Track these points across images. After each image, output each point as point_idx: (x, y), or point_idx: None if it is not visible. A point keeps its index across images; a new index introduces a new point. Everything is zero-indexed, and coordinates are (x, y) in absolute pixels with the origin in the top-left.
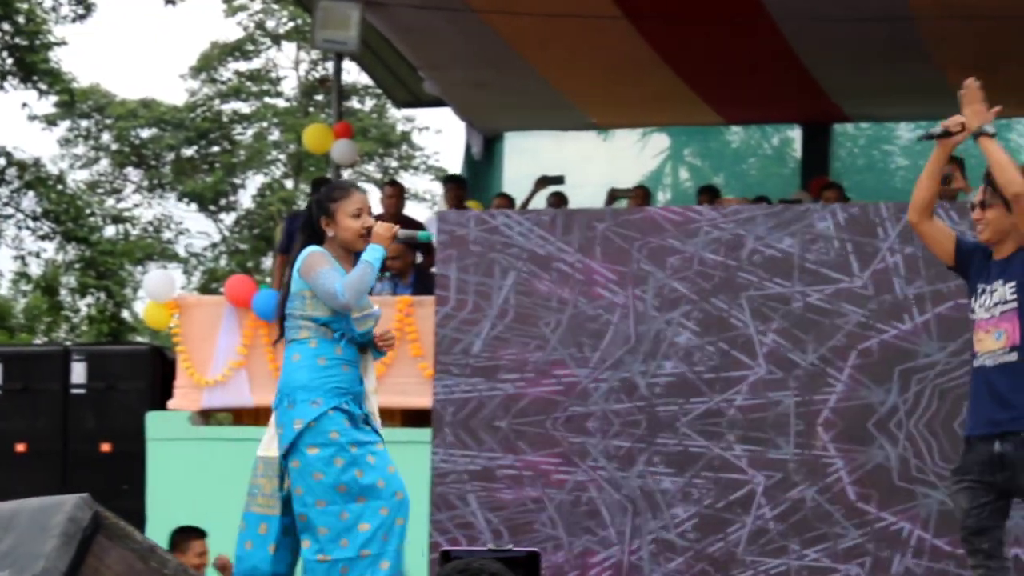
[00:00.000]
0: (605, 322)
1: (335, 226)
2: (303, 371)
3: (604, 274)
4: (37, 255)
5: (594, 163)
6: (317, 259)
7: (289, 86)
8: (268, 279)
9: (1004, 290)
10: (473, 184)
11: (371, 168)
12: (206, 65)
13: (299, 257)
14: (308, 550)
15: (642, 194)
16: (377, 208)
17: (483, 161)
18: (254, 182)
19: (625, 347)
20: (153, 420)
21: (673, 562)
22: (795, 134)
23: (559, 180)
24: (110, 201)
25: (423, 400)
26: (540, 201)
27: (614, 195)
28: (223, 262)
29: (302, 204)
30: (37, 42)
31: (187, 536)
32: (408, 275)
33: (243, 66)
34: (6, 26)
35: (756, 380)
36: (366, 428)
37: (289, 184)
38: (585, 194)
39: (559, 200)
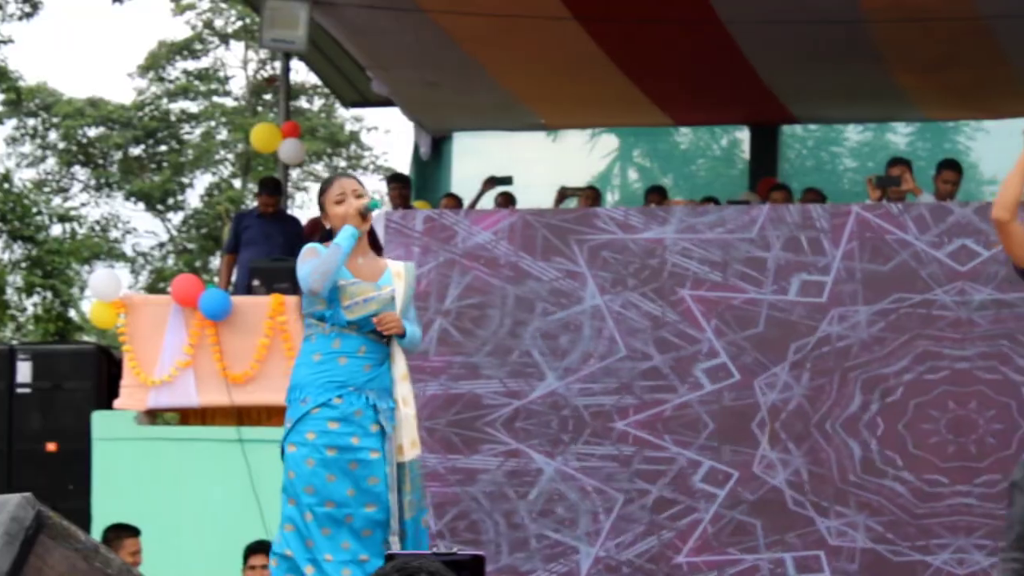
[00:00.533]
0: (551, 321)
1: (328, 218)
2: (298, 369)
3: (552, 274)
4: None
5: (543, 163)
6: (304, 253)
7: (237, 85)
8: (216, 279)
9: None
10: (421, 184)
11: (319, 168)
12: (154, 64)
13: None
14: (276, 543)
15: (592, 194)
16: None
17: (431, 161)
18: (202, 181)
19: (574, 347)
20: (99, 420)
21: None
22: (743, 135)
23: (507, 180)
24: (57, 200)
25: None
26: (488, 201)
27: (564, 194)
28: (171, 262)
29: (250, 204)
30: None
31: (120, 534)
32: None
33: (191, 65)
34: None
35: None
36: (371, 432)
37: (237, 184)
38: (534, 194)
39: (507, 200)
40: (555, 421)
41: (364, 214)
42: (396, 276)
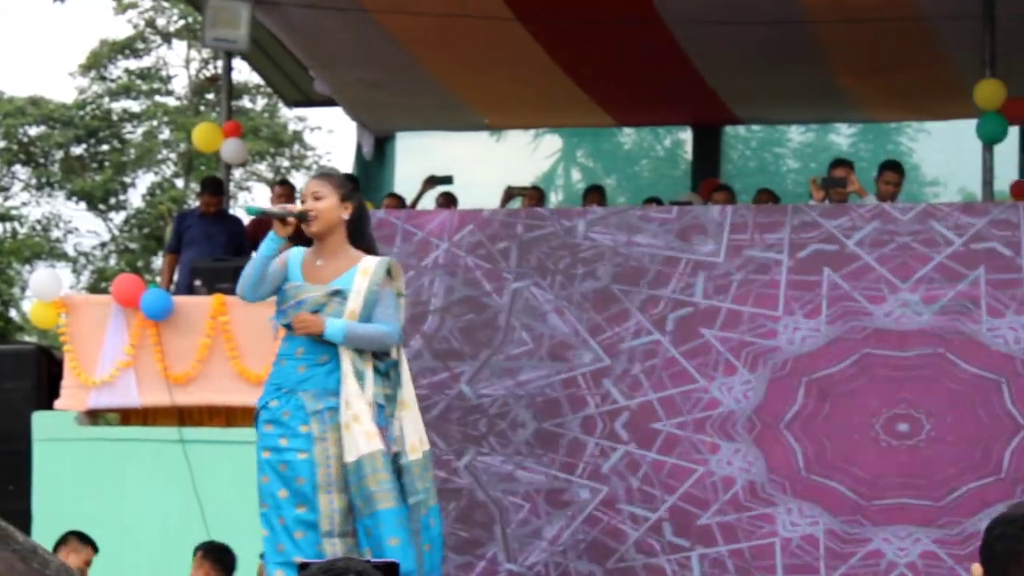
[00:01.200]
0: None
1: None
2: None
3: (492, 272)
4: None
5: (486, 164)
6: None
7: (179, 85)
8: (158, 279)
9: None
10: (364, 184)
11: (263, 167)
12: (96, 63)
13: None
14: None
15: (536, 195)
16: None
17: (374, 161)
18: (144, 181)
19: (520, 348)
20: (39, 420)
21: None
22: (687, 136)
23: (447, 180)
24: None
25: None
26: (429, 201)
27: (511, 193)
28: (112, 261)
29: (192, 203)
30: None
31: (68, 541)
32: None
33: (133, 64)
34: None
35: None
36: (299, 433)
37: (180, 183)
38: (477, 195)
39: (448, 200)
40: (485, 422)
41: (282, 218)
42: (362, 273)
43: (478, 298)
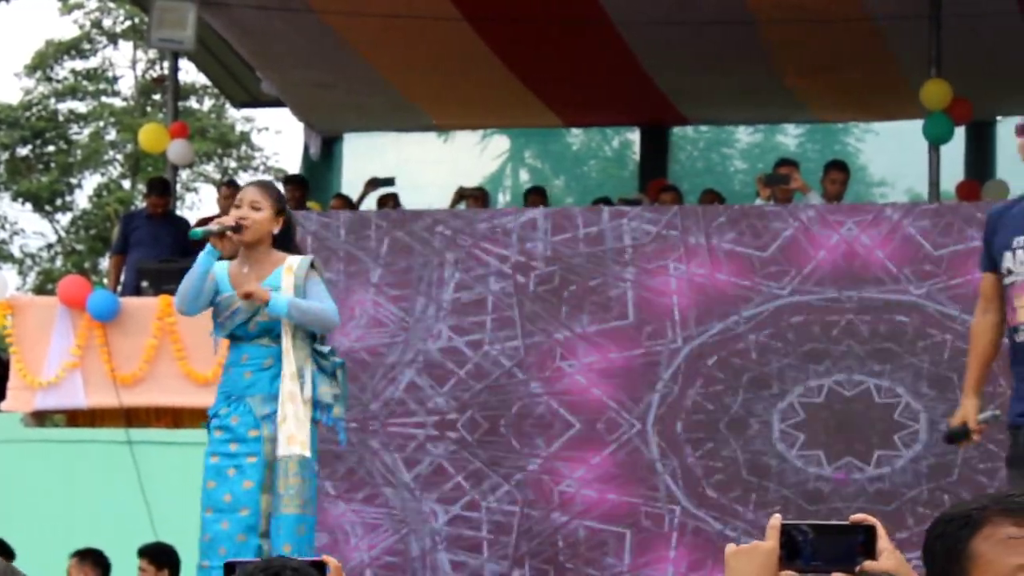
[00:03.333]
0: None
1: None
2: None
3: (438, 275)
4: None
5: (434, 165)
6: None
7: (126, 85)
8: (105, 280)
9: None
10: (312, 185)
11: (210, 168)
12: (41, 63)
13: None
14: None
15: (481, 196)
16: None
17: (322, 162)
18: (91, 182)
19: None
20: None
21: None
22: (635, 137)
23: (389, 182)
24: None
25: None
26: (372, 203)
27: (462, 194)
28: (59, 263)
29: (139, 204)
30: None
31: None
32: None
33: (79, 65)
34: None
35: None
36: (248, 437)
37: (126, 184)
38: (425, 195)
39: (390, 202)
40: (432, 422)
41: (220, 234)
42: (287, 271)
43: None
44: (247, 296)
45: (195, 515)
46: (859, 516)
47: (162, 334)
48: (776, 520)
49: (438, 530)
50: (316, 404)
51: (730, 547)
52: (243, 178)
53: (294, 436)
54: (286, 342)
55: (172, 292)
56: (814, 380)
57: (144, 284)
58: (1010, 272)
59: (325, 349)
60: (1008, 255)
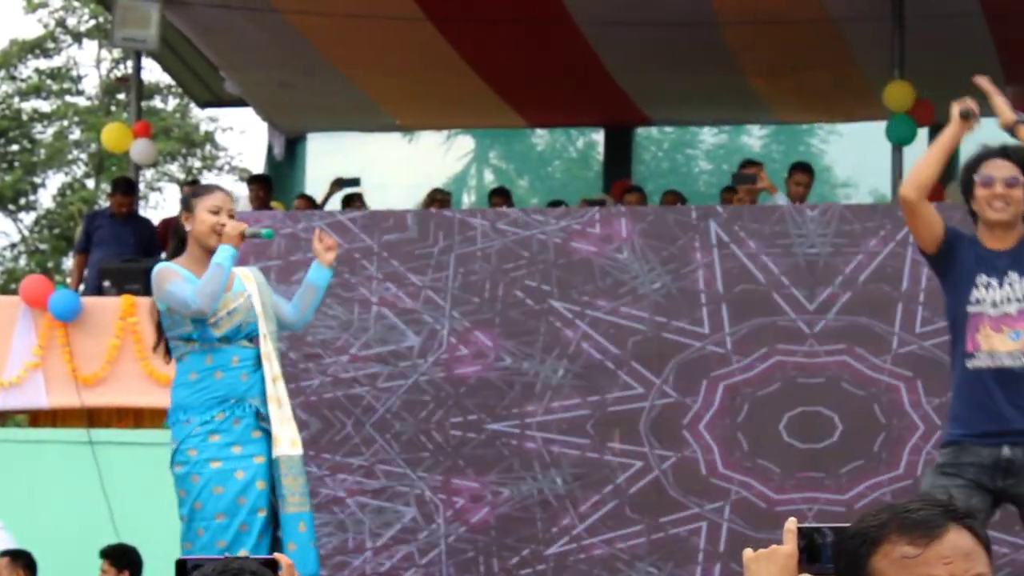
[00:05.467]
0: (405, 321)
1: (192, 219)
2: (178, 390)
3: (404, 275)
4: None
5: (399, 165)
6: (163, 275)
7: (90, 84)
8: (68, 279)
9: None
10: (276, 185)
11: (174, 168)
12: (5, 63)
13: (151, 279)
14: None
15: (443, 197)
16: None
17: (285, 162)
18: (54, 181)
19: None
20: None
21: None
22: (599, 137)
23: (354, 182)
24: None
25: None
26: (336, 203)
27: (433, 197)
28: (23, 262)
29: (103, 204)
30: None
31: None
32: None
33: (43, 64)
34: None
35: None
36: (252, 438)
37: (90, 184)
38: (390, 195)
39: (355, 202)
40: (412, 421)
41: (246, 236)
42: (245, 279)
43: None
44: (238, 238)
45: (157, 516)
46: None
47: (124, 334)
48: (792, 523)
49: None
50: None
51: (748, 552)
52: (207, 178)
53: (296, 440)
54: (266, 345)
55: (134, 292)
56: None
57: (106, 284)
58: (978, 302)
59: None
60: (975, 291)
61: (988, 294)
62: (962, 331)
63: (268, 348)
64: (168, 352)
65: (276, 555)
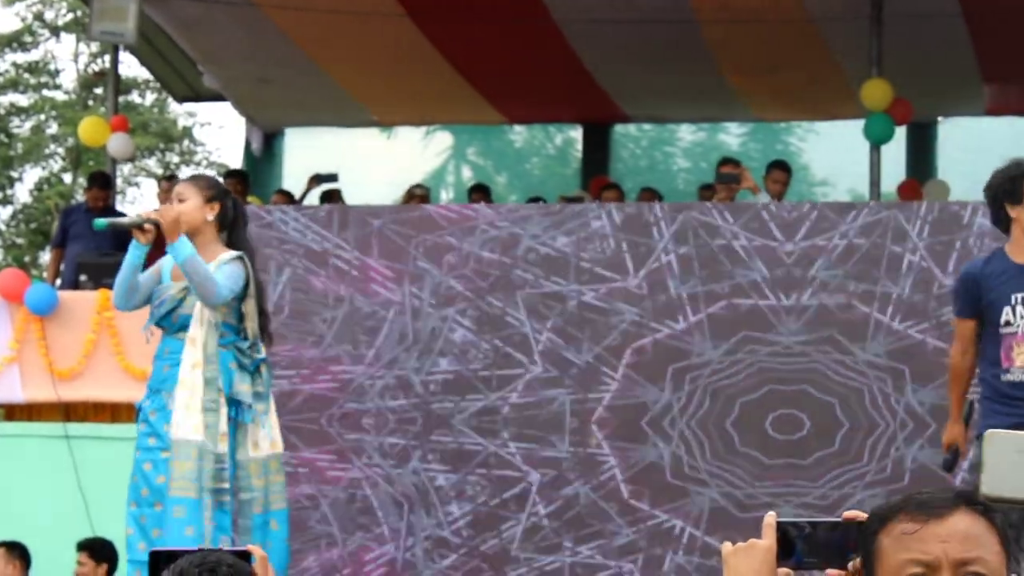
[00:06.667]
0: (381, 319)
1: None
2: None
3: (380, 271)
4: None
5: (377, 160)
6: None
7: (68, 79)
8: (45, 274)
9: None
10: (253, 180)
11: (152, 163)
12: None
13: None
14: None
15: (422, 193)
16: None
17: (263, 157)
18: (31, 176)
19: (401, 344)
20: None
21: (447, 559)
22: (577, 134)
23: (332, 178)
24: None
25: None
26: (316, 199)
27: (412, 194)
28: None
29: (80, 198)
30: None
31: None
32: None
33: (21, 58)
34: None
35: (531, 378)
36: (162, 432)
37: (67, 178)
38: (368, 192)
39: (333, 198)
40: (393, 419)
41: (140, 227)
42: (217, 265)
43: None
44: (168, 223)
45: None
46: (852, 513)
47: (100, 328)
48: (771, 518)
49: None
50: (231, 401)
51: (727, 546)
52: (185, 173)
53: (277, 440)
54: (194, 330)
55: (111, 286)
56: None
57: (83, 278)
58: (1008, 324)
59: (245, 344)
60: (1008, 309)
61: (1019, 310)
62: (996, 348)
63: (195, 332)
64: None
65: (249, 547)
